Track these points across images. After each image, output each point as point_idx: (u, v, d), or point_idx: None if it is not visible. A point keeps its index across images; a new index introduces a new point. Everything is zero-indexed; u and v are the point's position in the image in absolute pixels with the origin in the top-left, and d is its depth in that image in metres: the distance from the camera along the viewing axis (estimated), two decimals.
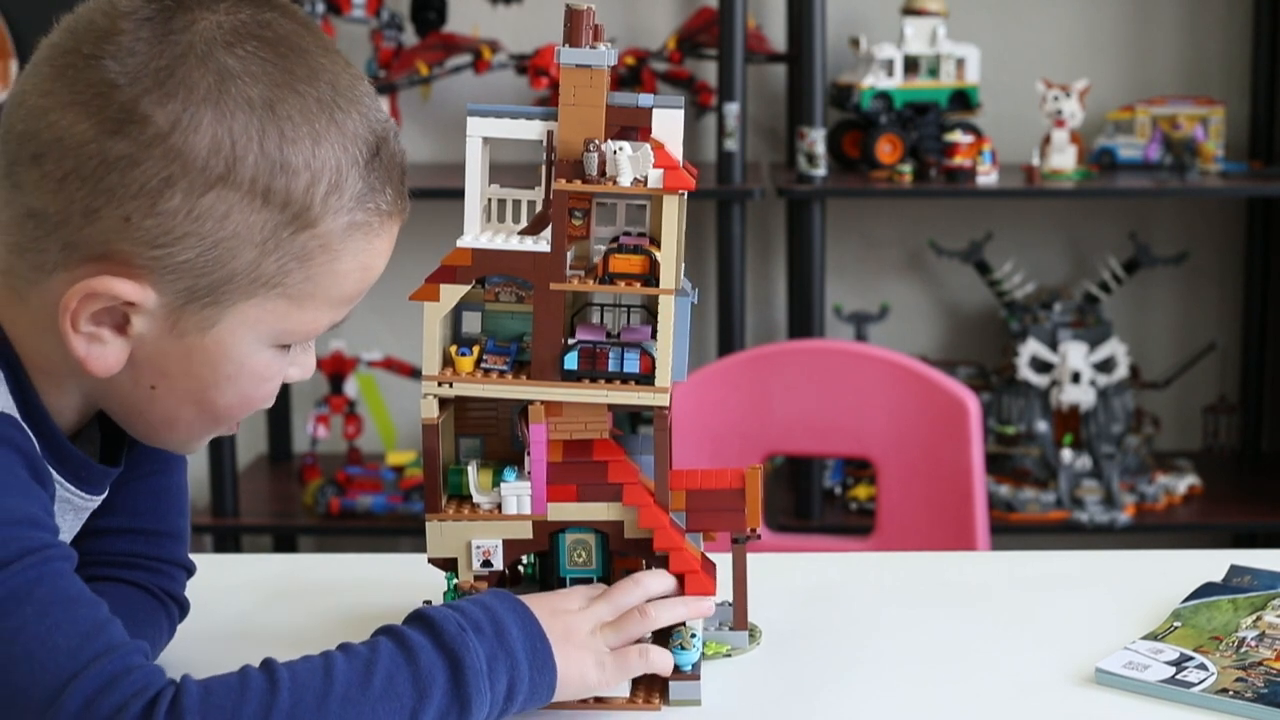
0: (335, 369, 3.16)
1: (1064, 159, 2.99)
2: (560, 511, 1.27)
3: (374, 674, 1.08)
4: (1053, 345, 3.03)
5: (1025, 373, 3.04)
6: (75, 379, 1.15)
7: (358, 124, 1.13)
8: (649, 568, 1.32)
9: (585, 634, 1.20)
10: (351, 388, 3.17)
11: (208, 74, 1.07)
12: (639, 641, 1.22)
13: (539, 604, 1.20)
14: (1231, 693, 1.23)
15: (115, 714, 1.01)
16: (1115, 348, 3.04)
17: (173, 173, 1.06)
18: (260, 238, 1.09)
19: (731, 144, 2.88)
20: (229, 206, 1.07)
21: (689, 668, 1.24)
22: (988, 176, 2.93)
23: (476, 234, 1.27)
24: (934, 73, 3.02)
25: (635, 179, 1.23)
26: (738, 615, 1.35)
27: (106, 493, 1.24)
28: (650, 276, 1.24)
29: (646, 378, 1.24)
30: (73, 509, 1.20)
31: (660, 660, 1.22)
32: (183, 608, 1.34)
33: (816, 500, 3.01)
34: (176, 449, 1.25)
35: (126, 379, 1.13)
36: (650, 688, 1.25)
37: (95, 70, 1.06)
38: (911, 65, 3.02)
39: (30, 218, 1.09)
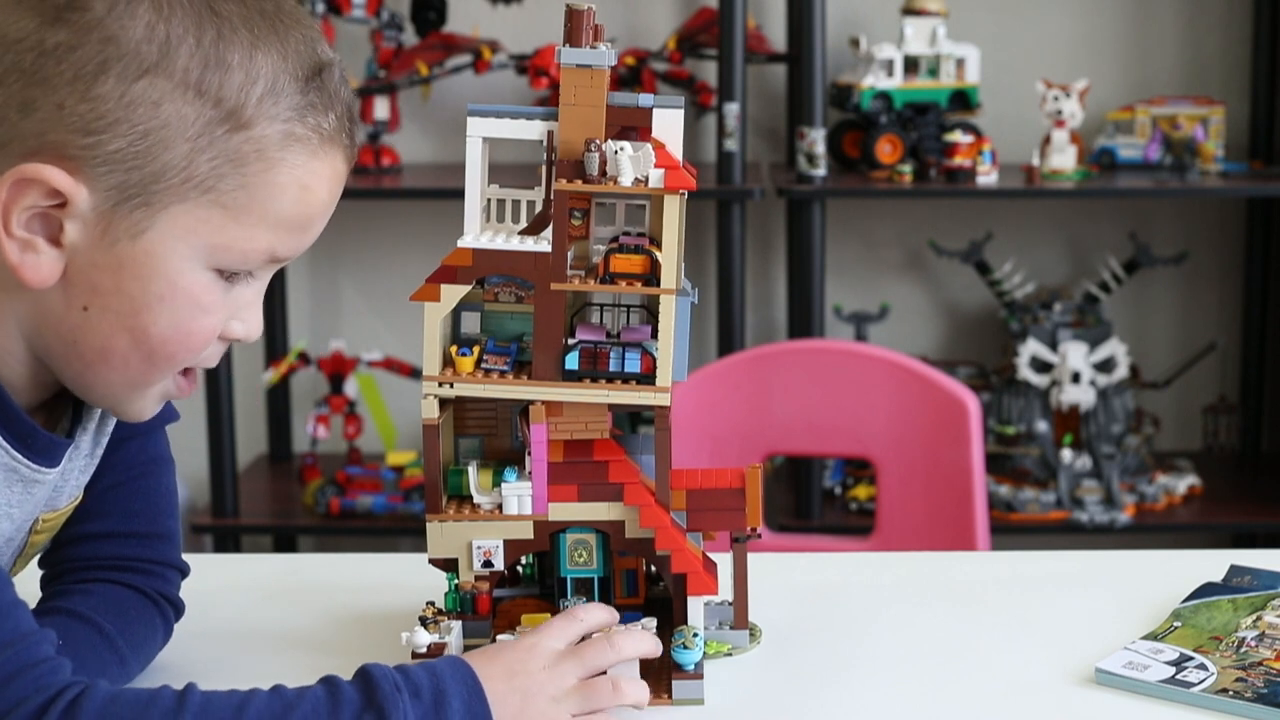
0: (335, 369, 3.16)
1: (1064, 159, 2.99)
2: (561, 511, 1.27)
3: (290, 716, 1.07)
4: (1053, 345, 3.03)
5: (1025, 373, 3.04)
6: (12, 311, 1.12)
7: (299, 43, 1.13)
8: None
9: (542, 708, 1.15)
10: (351, 388, 3.17)
11: None
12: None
13: (499, 660, 1.16)
14: (1231, 693, 1.23)
15: (11, 710, 1.00)
16: (1115, 348, 3.04)
17: (107, 57, 1.06)
18: (193, 132, 1.08)
19: (731, 144, 2.88)
20: (161, 95, 1.07)
21: (691, 667, 1.24)
22: (988, 177, 2.93)
23: (477, 234, 1.27)
24: (934, 73, 3.03)
25: (636, 179, 1.23)
26: (738, 614, 1.35)
27: (62, 468, 1.20)
28: (651, 276, 1.24)
29: (647, 377, 1.25)
30: (20, 480, 1.16)
31: None
32: (177, 609, 1.33)
33: (816, 500, 3.01)
34: (120, 406, 1.19)
35: (59, 302, 1.11)
36: (657, 684, 1.25)
37: None
38: (911, 65, 3.02)
39: None
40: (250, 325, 1.17)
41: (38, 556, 1.29)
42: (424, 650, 1.24)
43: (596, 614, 1.24)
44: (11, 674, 1.02)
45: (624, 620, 1.28)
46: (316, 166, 1.14)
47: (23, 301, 1.11)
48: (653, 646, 1.23)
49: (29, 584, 1.28)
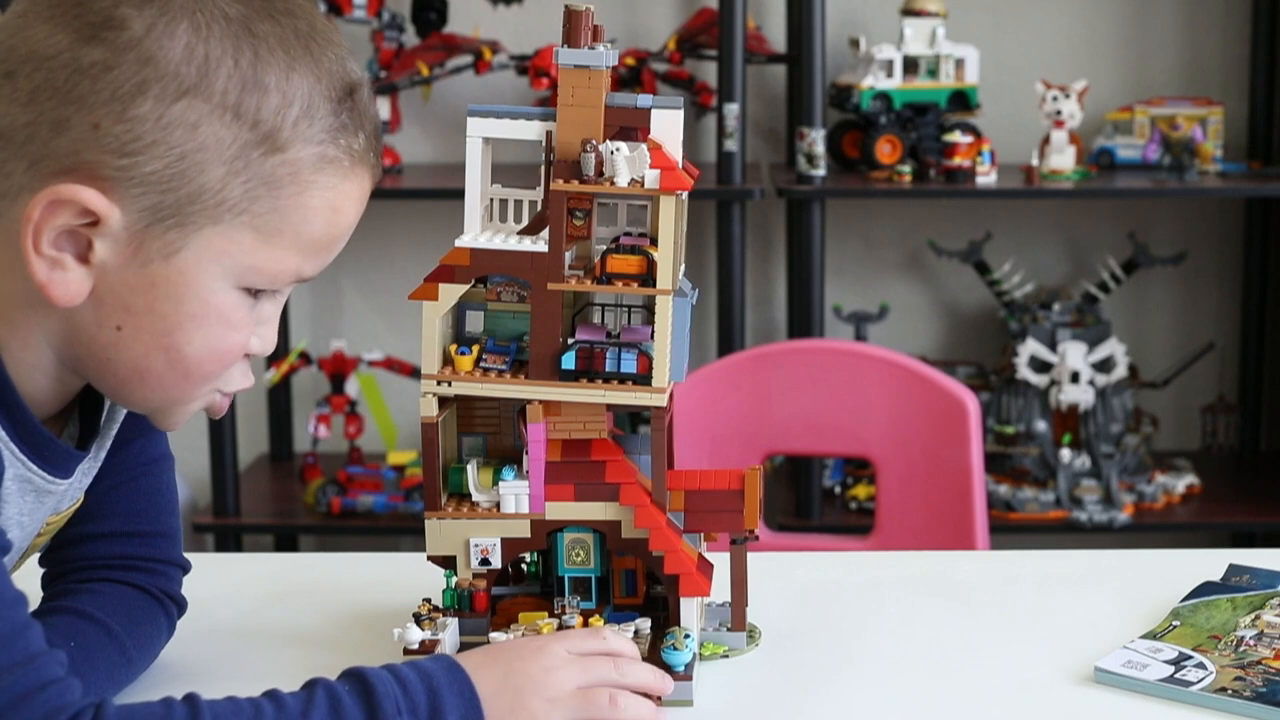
0: (336, 369, 3.16)
1: (1063, 159, 2.99)
2: (558, 510, 1.27)
3: None
4: (1052, 345, 3.04)
5: (1024, 372, 3.04)
6: (41, 326, 1.11)
7: (333, 62, 1.12)
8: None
9: (534, 706, 1.13)
10: (353, 387, 3.17)
11: None
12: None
13: (499, 657, 1.15)
14: (1230, 691, 1.23)
15: None
16: (1114, 347, 3.04)
17: (145, 78, 1.05)
18: (229, 155, 1.07)
19: (731, 144, 2.88)
20: (199, 117, 1.06)
21: (681, 668, 1.24)
22: (987, 177, 2.93)
23: (476, 234, 1.27)
24: (933, 73, 3.03)
25: (632, 179, 1.23)
26: (735, 616, 1.35)
27: (73, 479, 1.20)
28: (648, 277, 1.25)
29: (644, 378, 1.25)
30: (34, 490, 1.16)
31: None
32: (180, 606, 1.33)
33: (816, 500, 3.01)
34: (157, 417, 1.19)
35: (91, 319, 1.10)
36: None
37: None
38: (911, 66, 3.03)
39: None
40: (266, 341, 1.18)
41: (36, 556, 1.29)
42: (415, 647, 1.24)
43: (619, 641, 1.22)
44: (22, 695, 1.01)
45: (620, 620, 1.28)
46: (347, 188, 1.14)
47: (54, 318, 1.11)
48: (660, 684, 1.20)
49: (25, 582, 1.28)
